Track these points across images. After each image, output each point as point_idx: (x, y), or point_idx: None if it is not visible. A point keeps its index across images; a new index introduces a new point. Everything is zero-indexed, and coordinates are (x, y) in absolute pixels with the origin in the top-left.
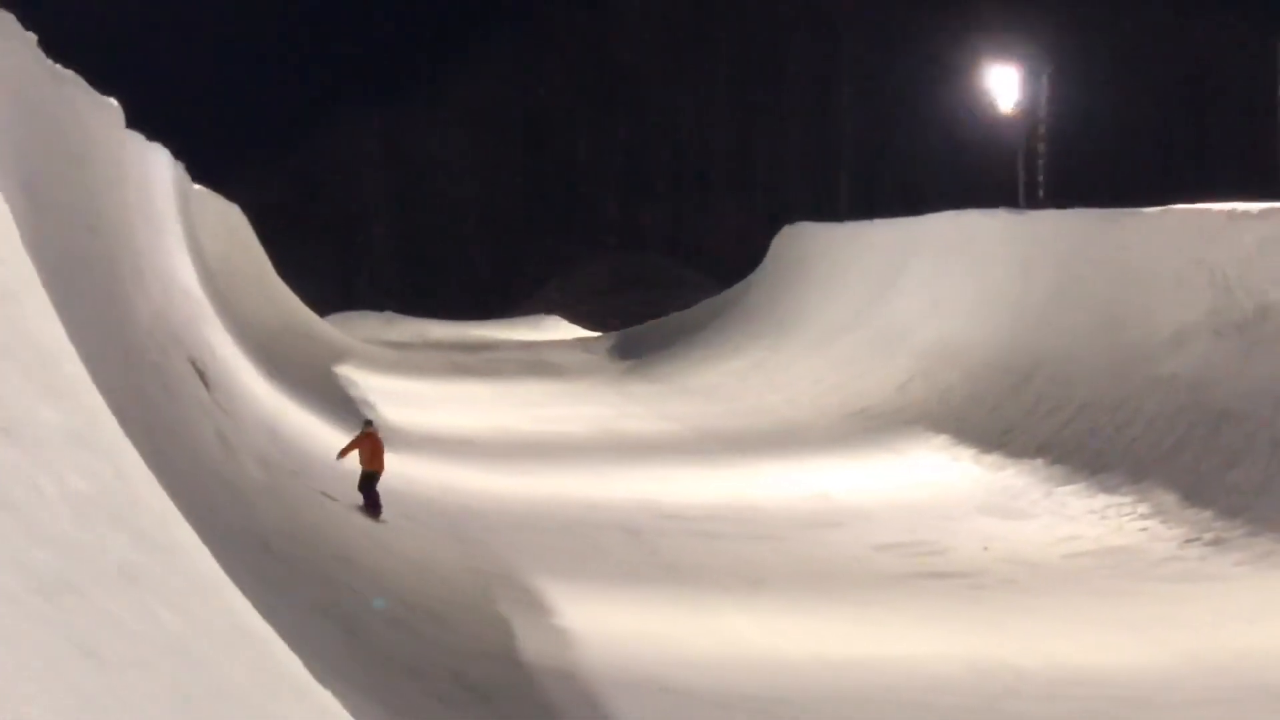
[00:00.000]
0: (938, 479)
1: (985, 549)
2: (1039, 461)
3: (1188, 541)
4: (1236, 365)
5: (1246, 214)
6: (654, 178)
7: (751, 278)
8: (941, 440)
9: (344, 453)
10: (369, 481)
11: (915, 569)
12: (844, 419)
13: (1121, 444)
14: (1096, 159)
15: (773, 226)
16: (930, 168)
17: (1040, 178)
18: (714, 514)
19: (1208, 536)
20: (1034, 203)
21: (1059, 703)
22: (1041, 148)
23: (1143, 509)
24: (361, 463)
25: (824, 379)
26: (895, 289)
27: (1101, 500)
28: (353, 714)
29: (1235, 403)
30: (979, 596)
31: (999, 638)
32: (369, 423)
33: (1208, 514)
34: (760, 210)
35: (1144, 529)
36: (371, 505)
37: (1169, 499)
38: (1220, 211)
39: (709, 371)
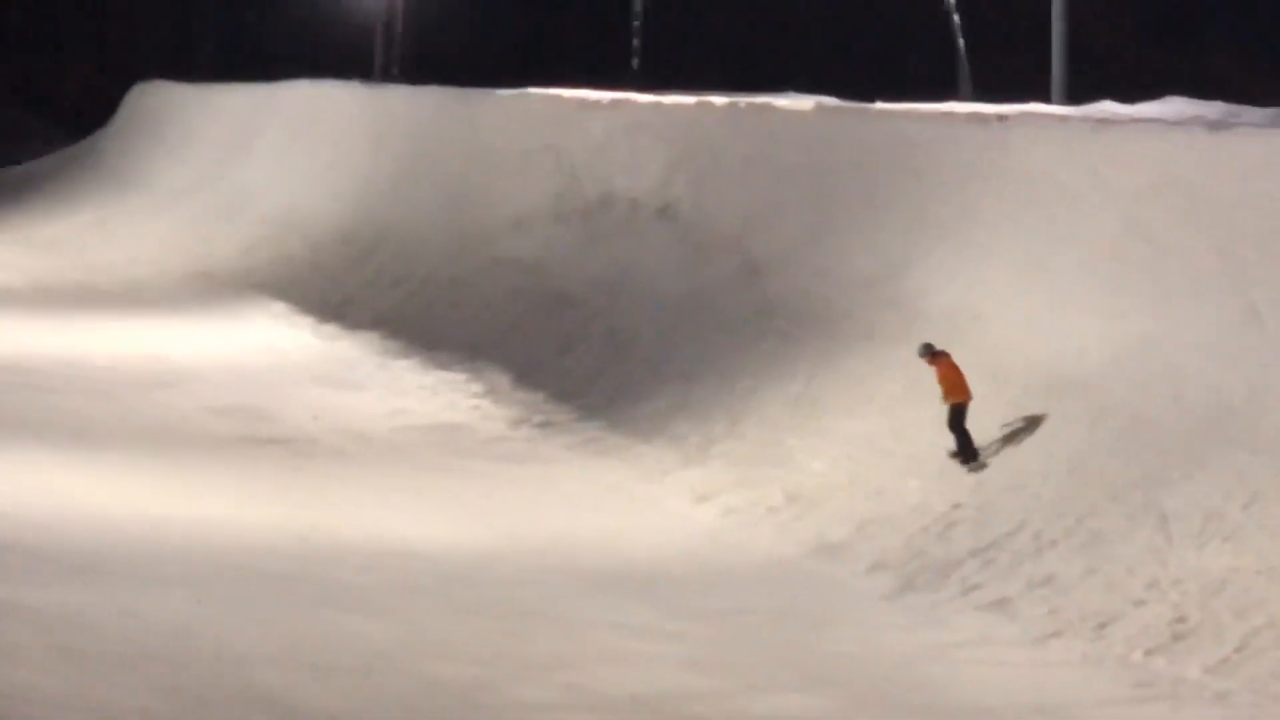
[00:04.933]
0: (275, 346)
1: (315, 418)
2: (375, 334)
3: (517, 423)
4: (576, 252)
5: (597, 103)
6: (2, 26)
7: (101, 133)
8: (281, 308)
9: (948, 395)
10: (959, 417)
11: (247, 433)
12: (186, 281)
13: (458, 322)
14: (458, 38)
15: (127, 83)
16: (290, 36)
17: (398, 52)
18: (46, 368)
19: (537, 419)
20: (390, 78)
21: (377, 573)
22: (400, 22)
23: (475, 388)
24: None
25: (168, 239)
26: (246, 154)
27: (435, 376)
28: None
29: (573, 288)
30: (308, 465)
31: (325, 506)
32: (929, 347)
33: (539, 396)
34: (115, 66)
35: (475, 407)
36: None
37: (502, 380)
38: (572, 99)
39: (52, 225)
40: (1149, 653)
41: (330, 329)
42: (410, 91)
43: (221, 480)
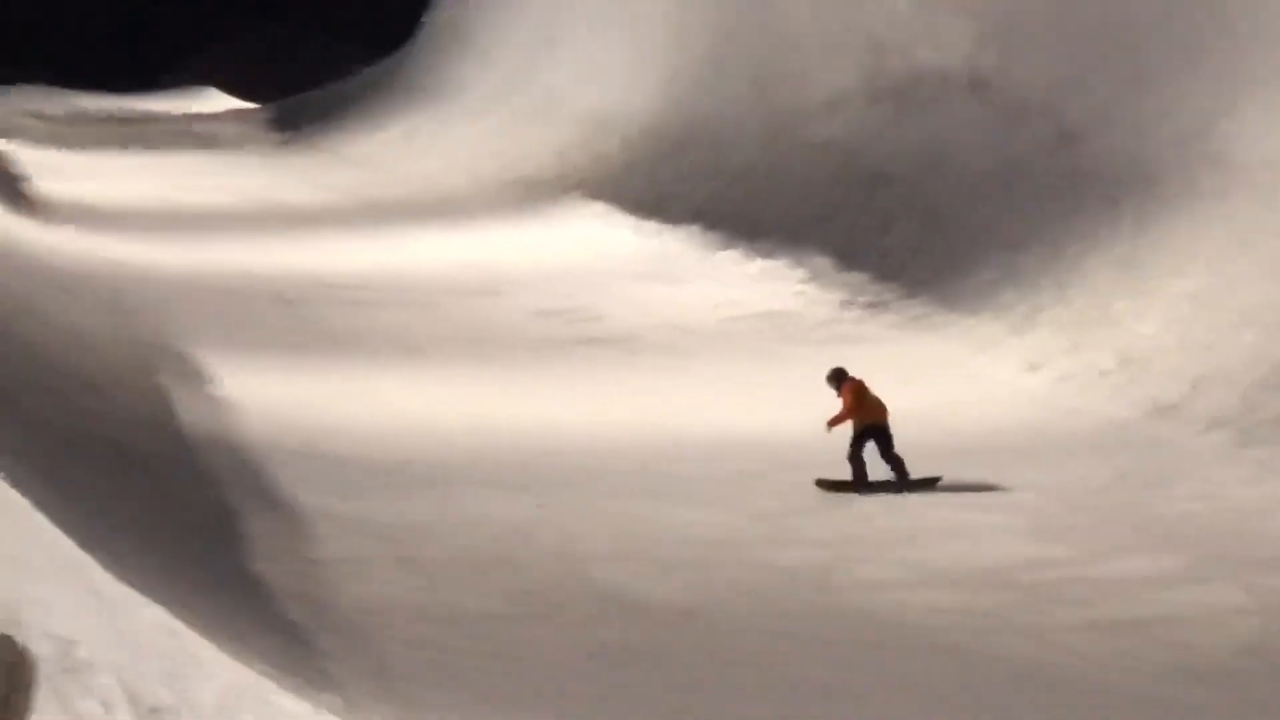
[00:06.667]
0: (596, 246)
1: (641, 315)
2: (696, 227)
3: (844, 305)
4: (889, 130)
5: None
6: None
7: (407, 47)
8: (599, 207)
9: (835, 421)
10: (865, 441)
11: (573, 335)
12: (502, 188)
13: (777, 209)
14: None
15: None
16: None
17: None
18: (370, 283)
19: (863, 300)
20: None
21: (717, 464)
22: None
23: (799, 274)
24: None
25: (481, 147)
26: (551, 57)
27: (758, 265)
28: (10, 482)
29: (888, 167)
30: (637, 362)
31: (657, 402)
32: (839, 372)
33: (863, 277)
34: None
35: (800, 293)
36: (861, 476)
37: (824, 263)
38: None
39: (366, 142)
40: None
41: (650, 225)
42: None
43: (551, 382)
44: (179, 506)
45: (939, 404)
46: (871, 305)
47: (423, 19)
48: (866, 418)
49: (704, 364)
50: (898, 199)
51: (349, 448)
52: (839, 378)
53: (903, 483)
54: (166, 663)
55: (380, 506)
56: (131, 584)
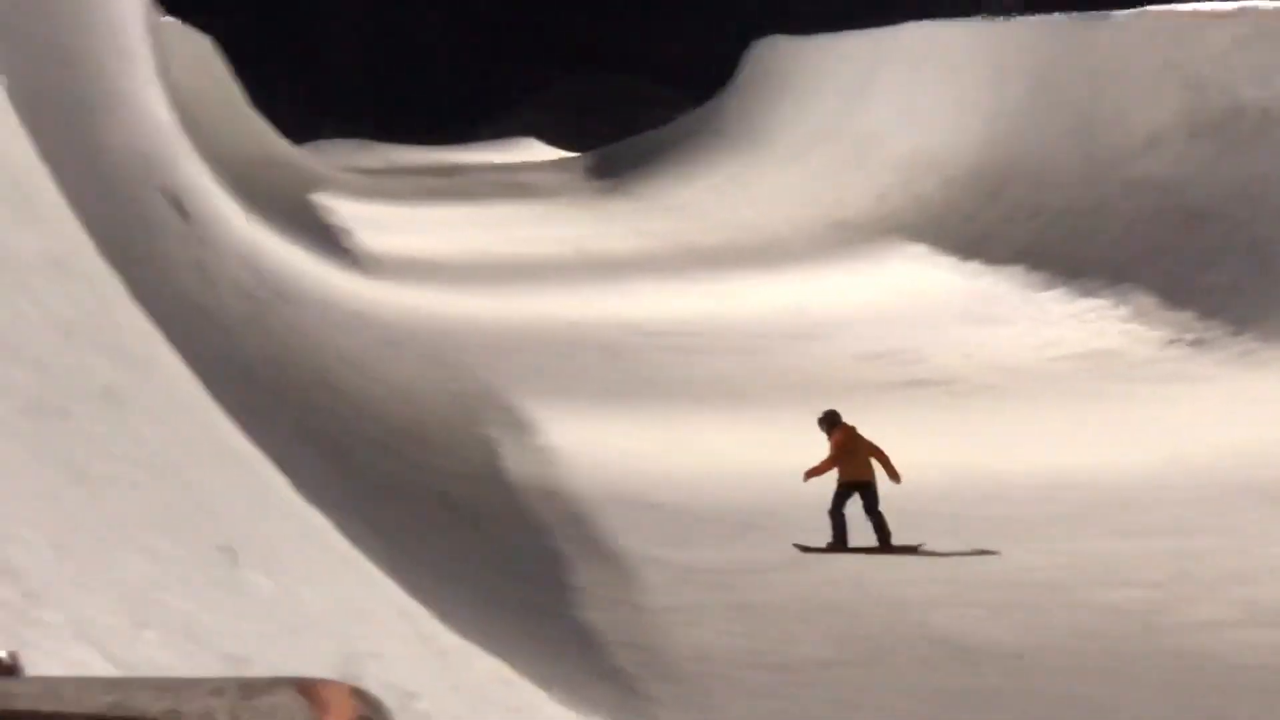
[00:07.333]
0: (917, 288)
1: (965, 356)
2: (1018, 268)
3: (1169, 343)
4: (1211, 166)
5: (1219, 14)
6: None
7: (724, 93)
8: (920, 249)
9: (815, 472)
10: (846, 497)
11: (895, 378)
12: (821, 231)
13: (1099, 247)
14: None
15: (743, 41)
16: None
17: None
18: (693, 329)
19: (1189, 337)
20: (1007, 10)
21: (1043, 505)
22: None
23: (1123, 311)
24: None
25: (800, 192)
26: (868, 100)
27: (1081, 304)
28: (343, 534)
29: (1211, 203)
30: (960, 404)
31: (981, 444)
32: (831, 415)
33: (1188, 315)
34: (730, 25)
35: (1125, 331)
36: (840, 537)
37: (1148, 301)
38: (1191, 12)
39: (685, 188)
40: None
41: (972, 266)
42: (1029, 22)
43: (874, 425)
44: (507, 556)
45: (1268, 441)
46: (1196, 343)
47: (739, 65)
48: (849, 473)
49: (1027, 404)
50: (1220, 235)
51: (676, 495)
52: (830, 422)
53: (883, 547)
54: (503, 713)
55: (709, 554)
56: (465, 634)
